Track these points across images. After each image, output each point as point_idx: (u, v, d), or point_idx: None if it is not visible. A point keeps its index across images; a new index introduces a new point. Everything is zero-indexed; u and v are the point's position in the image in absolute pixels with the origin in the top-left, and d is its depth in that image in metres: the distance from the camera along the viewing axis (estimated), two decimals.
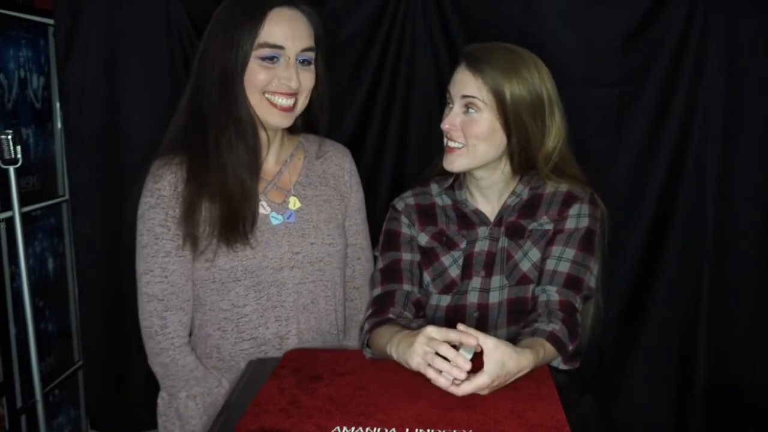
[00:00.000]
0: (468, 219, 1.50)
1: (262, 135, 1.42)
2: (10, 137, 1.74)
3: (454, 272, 1.46)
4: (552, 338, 1.27)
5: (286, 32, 1.34)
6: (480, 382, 1.09)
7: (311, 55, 1.39)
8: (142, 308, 1.42)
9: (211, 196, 1.37)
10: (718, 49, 1.89)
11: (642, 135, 1.98)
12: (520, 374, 1.15)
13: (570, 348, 1.31)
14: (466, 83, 1.40)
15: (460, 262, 1.47)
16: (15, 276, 1.96)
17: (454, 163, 1.43)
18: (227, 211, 1.37)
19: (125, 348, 2.17)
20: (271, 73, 1.35)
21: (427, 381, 1.13)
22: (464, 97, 1.40)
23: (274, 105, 1.37)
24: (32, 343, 1.87)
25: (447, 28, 1.99)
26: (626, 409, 2.05)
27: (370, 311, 1.42)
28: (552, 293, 1.36)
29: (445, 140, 1.45)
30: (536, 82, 1.39)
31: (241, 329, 1.44)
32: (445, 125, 1.42)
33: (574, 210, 1.43)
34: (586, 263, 1.40)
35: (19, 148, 1.75)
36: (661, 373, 2.04)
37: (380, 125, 2.07)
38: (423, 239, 1.50)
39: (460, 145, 1.41)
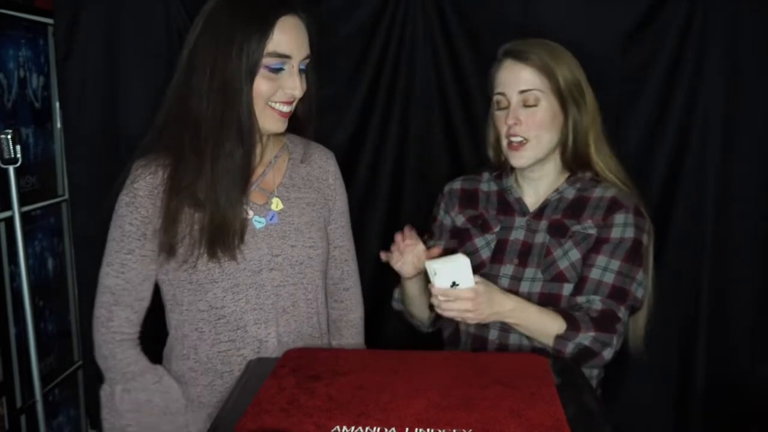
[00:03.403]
0: (509, 206, 1.53)
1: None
2: (9, 137, 1.75)
3: (485, 254, 1.50)
4: (566, 314, 1.33)
5: (292, 41, 1.33)
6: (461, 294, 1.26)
7: (308, 62, 1.39)
8: (96, 298, 1.43)
9: (196, 203, 1.35)
10: (718, 49, 1.89)
11: (642, 135, 1.97)
12: (501, 311, 1.30)
13: (579, 336, 1.35)
14: (520, 77, 1.44)
15: (493, 245, 1.49)
16: (15, 276, 1.96)
17: (523, 157, 1.46)
18: (217, 222, 1.35)
19: None
20: (275, 83, 1.34)
21: (427, 381, 1.14)
22: (523, 92, 1.43)
23: (275, 111, 1.37)
24: (32, 343, 1.87)
25: (447, 28, 1.99)
26: (626, 409, 2.05)
27: None
28: (596, 302, 1.39)
29: (504, 140, 1.47)
30: (573, 64, 1.48)
31: (219, 330, 1.42)
32: (509, 121, 1.44)
33: (619, 219, 1.45)
34: (631, 274, 1.42)
35: (18, 147, 1.76)
36: (661, 373, 2.03)
37: (380, 125, 2.06)
38: (459, 220, 1.55)
39: (525, 140, 1.43)
